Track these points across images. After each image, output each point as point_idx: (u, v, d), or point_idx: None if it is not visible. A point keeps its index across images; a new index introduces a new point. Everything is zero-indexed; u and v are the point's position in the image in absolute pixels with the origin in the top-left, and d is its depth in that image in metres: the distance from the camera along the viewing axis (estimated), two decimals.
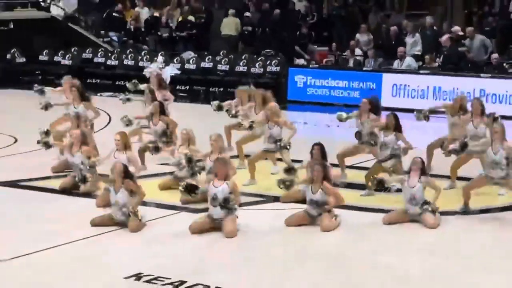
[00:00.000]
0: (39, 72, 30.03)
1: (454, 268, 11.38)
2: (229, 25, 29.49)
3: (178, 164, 14.84)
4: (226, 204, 12.40)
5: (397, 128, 14.62)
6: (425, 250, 12.21)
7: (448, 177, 15.17)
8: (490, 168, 13.46)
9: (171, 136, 16.48)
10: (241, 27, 29.20)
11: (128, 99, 18.20)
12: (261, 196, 14.84)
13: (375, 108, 15.60)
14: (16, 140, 19.55)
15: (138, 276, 10.78)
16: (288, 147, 15.19)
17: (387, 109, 15.93)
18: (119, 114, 17.19)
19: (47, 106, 17.80)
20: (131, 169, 13.42)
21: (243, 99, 17.26)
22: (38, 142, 16.05)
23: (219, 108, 17.49)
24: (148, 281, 10.60)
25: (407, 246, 12.48)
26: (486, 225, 13.34)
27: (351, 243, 12.63)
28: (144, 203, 13.68)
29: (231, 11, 29.83)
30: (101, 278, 10.85)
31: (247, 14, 29.43)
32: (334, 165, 15.00)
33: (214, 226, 12.61)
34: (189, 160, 14.12)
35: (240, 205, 12.88)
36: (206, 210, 12.98)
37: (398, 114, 15.45)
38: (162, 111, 16.65)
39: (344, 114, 15.80)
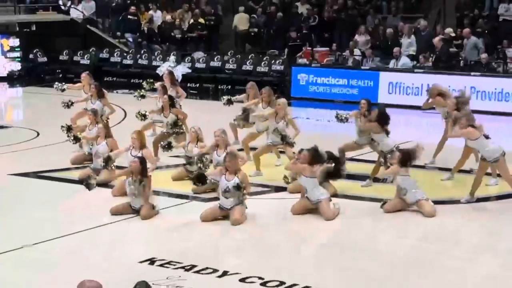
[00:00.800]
0: (59, 71, 30.02)
1: (450, 253, 11.40)
2: (242, 21, 29.66)
3: (189, 160, 14.86)
4: (237, 190, 12.41)
5: (380, 123, 14.48)
6: (423, 237, 12.22)
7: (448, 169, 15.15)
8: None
9: (181, 127, 16.49)
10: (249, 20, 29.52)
11: (142, 96, 18.20)
12: (267, 186, 14.84)
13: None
14: (38, 134, 19.56)
15: (152, 261, 10.80)
16: (294, 144, 15.12)
17: (384, 105, 15.89)
18: (134, 110, 17.18)
19: (68, 104, 17.91)
20: (147, 165, 13.43)
21: (251, 94, 17.20)
22: (68, 137, 16.18)
23: (229, 102, 17.50)
24: (161, 265, 10.63)
25: (406, 233, 12.51)
26: (481, 214, 13.33)
27: (352, 230, 12.65)
28: (158, 193, 13.73)
29: (241, 8, 30.08)
30: (118, 262, 10.89)
31: (254, 16, 29.43)
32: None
33: (224, 215, 12.63)
34: (200, 159, 14.08)
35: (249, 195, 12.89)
36: (216, 199, 13.00)
37: (394, 110, 15.47)
38: (172, 104, 16.66)
39: (343, 114, 15.66)
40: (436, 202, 13.22)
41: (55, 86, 18.86)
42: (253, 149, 16.10)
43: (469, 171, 14.95)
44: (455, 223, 12.91)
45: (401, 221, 12.86)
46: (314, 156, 12.94)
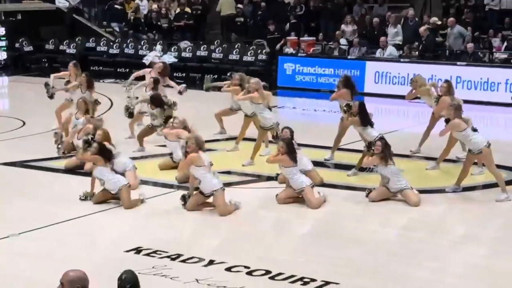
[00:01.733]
0: (45, 60, 29.96)
1: (435, 242, 11.46)
2: (228, 4, 29.61)
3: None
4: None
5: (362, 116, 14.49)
6: (407, 226, 12.29)
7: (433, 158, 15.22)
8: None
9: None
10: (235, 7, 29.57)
11: (130, 85, 18.11)
12: (257, 176, 14.83)
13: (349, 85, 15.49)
14: (24, 123, 19.52)
15: (138, 250, 10.82)
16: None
17: (370, 94, 15.92)
18: (120, 99, 17.15)
19: (52, 95, 17.80)
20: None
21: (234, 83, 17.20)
22: (58, 148, 16.03)
23: (207, 89, 17.66)
24: (147, 254, 10.64)
25: (390, 222, 12.57)
26: (466, 204, 13.40)
27: (338, 218, 12.71)
28: (144, 182, 13.74)
29: None
30: (104, 251, 10.90)
31: (240, 6, 29.39)
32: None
33: (206, 200, 12.67)
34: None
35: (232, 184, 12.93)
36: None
37: (380, 99, 15.53)
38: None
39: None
40: (421, 191, 13.30)
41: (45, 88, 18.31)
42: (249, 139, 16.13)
43: (455, 160, 15.02)
44: (440, 212, 13.00)
45: (386, 210, 12.91)
46: (290, 146, 13.03)
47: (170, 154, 15.11)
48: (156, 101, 16.47)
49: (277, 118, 15.55)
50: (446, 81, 16.16)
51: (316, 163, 14.53)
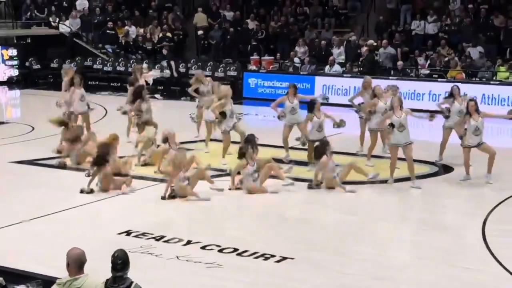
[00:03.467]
0: (50, 76, 29.73)
1: (379, 224, 11.52)
2: (201, 19, 29.78)
3: None
4: None
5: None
6: (350, 210, 12.35)
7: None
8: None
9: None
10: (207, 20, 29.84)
11: (125, 112, 17.02)
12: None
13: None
14: (33, 129, 19.34)
15: (128, 232, 10.77)
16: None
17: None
18: (113, 109, 16.98)
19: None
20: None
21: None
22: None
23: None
24: (136, 236, 10.60)
25: (336, 206, 12.61)
26: (398, 192, 13.49)
27: (299, 206, 12.73)
28: (132, 176, 13.66)
29: (199, 9, 30.28)
30: (98, 234, 10.81)
31: (212, 33, 29.33)
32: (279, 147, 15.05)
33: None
34: None
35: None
36: None
37: (327, 107, 15.58)
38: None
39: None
40: (358, 183, 13.38)
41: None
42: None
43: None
44: (378, 198, 13.05)
45: (332, 197, 12.95)
46: (240, 153, 13.20)
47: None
48: (137, 91, 16.16)
49: (243, 124, 15.47)
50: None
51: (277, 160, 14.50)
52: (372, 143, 14.99)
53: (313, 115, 14.51)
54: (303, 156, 14.89)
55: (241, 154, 13.27)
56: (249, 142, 13.40)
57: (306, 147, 14.69)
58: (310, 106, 14.75)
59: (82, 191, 12.90)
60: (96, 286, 6.27)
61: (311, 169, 14.09)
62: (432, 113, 14.82)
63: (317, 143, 13.81)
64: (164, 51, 27.99)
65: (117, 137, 13.94)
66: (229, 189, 13.14)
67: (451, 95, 15.02)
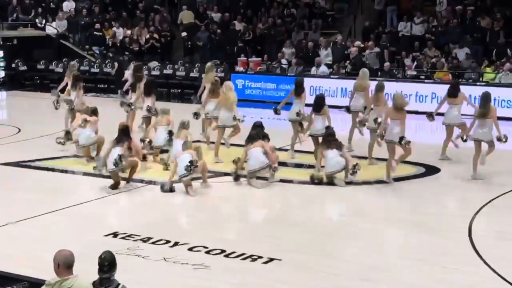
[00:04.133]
0: (37, 77, 29.72)
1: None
2: (187, 16, 29.90)
3: None
4: None
5: None
6: (339, 212, 12.35)
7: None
8: None
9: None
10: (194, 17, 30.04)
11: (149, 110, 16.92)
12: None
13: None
14: (19, 130, 19.27)
15: (115, 234, 10.74)
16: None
17: (306, 105, 15.94)
18: (100, 110, 16.86)
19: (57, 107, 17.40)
20: None
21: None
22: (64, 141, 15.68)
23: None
24: (123, 238, 10.57)
25: (324, 208, 12.64)
26: (381, 193, 13.53)
27: (284, 207, 12.72)
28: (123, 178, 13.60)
29: (184, 6, 30.42)
30: (86, 235, 10.78)
31: (198, 34, 29.31)
32: None
33: None
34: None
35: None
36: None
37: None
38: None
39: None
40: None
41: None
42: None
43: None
44: (366, 200, 13.09)
45: (320, 199, 12.98)
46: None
47: None
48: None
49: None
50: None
51: None
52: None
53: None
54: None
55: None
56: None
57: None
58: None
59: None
60: (86, 287, 6.25)
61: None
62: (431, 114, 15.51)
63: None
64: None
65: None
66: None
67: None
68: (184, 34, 29.47)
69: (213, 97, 16.46)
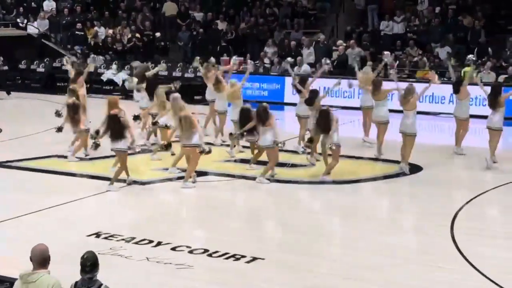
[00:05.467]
0: (18, 77, 29.53)
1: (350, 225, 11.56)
2: (171, 8, 30.04)
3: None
4: None
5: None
6: (320, 211, 12.36)
7: None
8: None
9: None
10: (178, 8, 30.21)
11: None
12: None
13: None
14: (1, 130, 19.15)
15: (98, 234, 10.70)
16: None
17: (289, 104, 15.98)
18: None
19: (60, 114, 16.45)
20: None
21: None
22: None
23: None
24: (106, 238, 10.54)
25: (306, 207, 12.65)
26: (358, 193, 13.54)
27: (263, 205, 12.74)
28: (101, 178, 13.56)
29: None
30: (69, 235, 10.75)
31: (179, 34, 29.27)
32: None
33: None
34: None
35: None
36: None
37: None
38: None
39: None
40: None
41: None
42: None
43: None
44: (348, 200, 13.11)
45: (303, 198, 12.98)
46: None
47: None
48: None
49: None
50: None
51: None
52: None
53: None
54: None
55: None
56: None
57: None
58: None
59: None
60: (49, 284, 6.19)
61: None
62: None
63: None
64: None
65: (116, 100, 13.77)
66: None
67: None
68: (158, 34, 29.35)
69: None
